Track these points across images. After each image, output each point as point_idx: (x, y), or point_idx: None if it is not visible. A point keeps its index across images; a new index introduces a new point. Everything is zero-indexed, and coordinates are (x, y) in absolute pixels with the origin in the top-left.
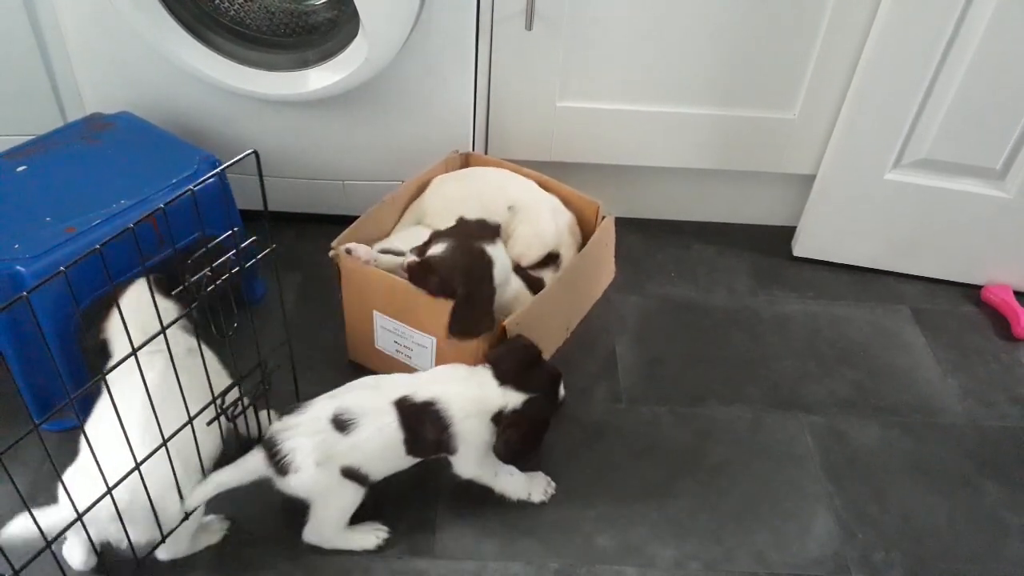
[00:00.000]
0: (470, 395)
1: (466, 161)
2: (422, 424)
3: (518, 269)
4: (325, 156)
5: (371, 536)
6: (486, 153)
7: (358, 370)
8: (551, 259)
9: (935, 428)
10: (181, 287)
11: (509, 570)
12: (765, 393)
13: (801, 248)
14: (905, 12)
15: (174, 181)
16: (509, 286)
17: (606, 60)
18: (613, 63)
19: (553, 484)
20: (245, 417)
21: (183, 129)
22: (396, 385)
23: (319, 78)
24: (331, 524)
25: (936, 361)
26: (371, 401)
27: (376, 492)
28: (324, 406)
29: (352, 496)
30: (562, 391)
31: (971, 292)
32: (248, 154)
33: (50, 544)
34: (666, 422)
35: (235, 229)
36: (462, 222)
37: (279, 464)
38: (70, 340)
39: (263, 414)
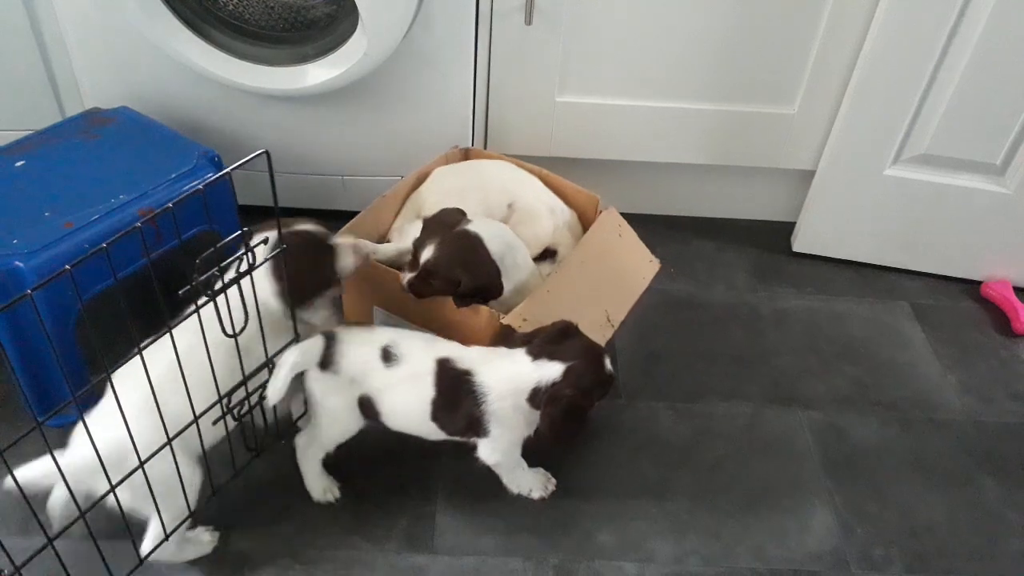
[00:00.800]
0: (505, 373)
1: (466, 156)
2: (457, 392)
3: None
4: (324, 151)
5: (325, 492)
6: (485, 148)
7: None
8: (547, 253)
9: (934, 424)
10: (188, 286)
11: (508, 565)
12: (764, 389)
13: (801, 244)
14: (905, 6)
15: (173, 176)
16: (519, 268)
17: (606, 55)
18: (612, 58)
19: (553, 481)
20: (252, 416)
21: (182, 124)
22: (445, 347)
23: (318, 73)
24: (319, 442)
25: (936, 357)
26: (421, 350)
27: (375, 485)
28: (383, 334)
29: (348, 425)
30: (608, 365)
31: (971, 288)
32: (260, 154)
33: (51, 541)
34: (665, 418)
35: (246, 229)
36: (427, 222)
37: (327, 356)
38: (70, 336)
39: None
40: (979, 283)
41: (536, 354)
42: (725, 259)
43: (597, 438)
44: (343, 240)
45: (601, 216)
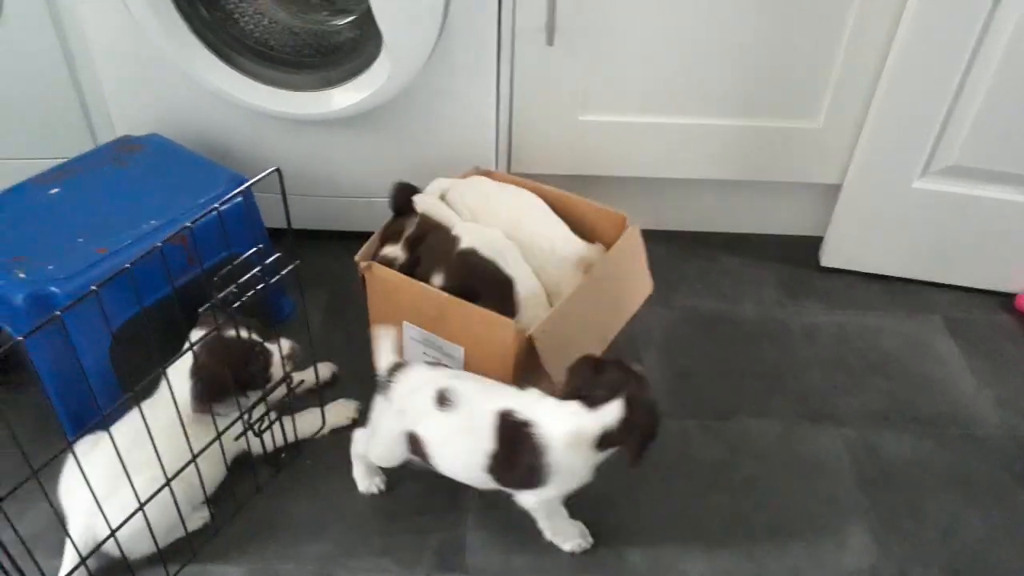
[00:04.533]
0: (570, 427)
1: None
2: (519, 445)
3: None
4: (350, 174)
5: (370, 485)
6: (508, 169)
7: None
8: None
9: (971, 440)
10: (208, 305)
11: None
12: (796, 405)
13: (829, 258)
14: (931, 16)
15: (202, 201)
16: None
17: (628, 73)
18: (635, 75)
19: (590, 540)
20: (272, 432)
21: (211, 149)
22: (504, 395)
23: (343, 97)
24: (372, 453)
25: (970, 371)
26: (479, 398)
27: (404, 505)
28: (440, 375)
29: (393, 452)
30: (636, 367)
31: (1005, 300)
32: (271, 172)
33: (84, 560)
34: (696, 436)
35: (260, 246)
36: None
37: (385, 384)
38: (103, 357)
39: (288, 428)
40: (1013, 295)
41: (592, 403)
42: (752, 275)
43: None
44: (283, 344)
45: (627, 232)
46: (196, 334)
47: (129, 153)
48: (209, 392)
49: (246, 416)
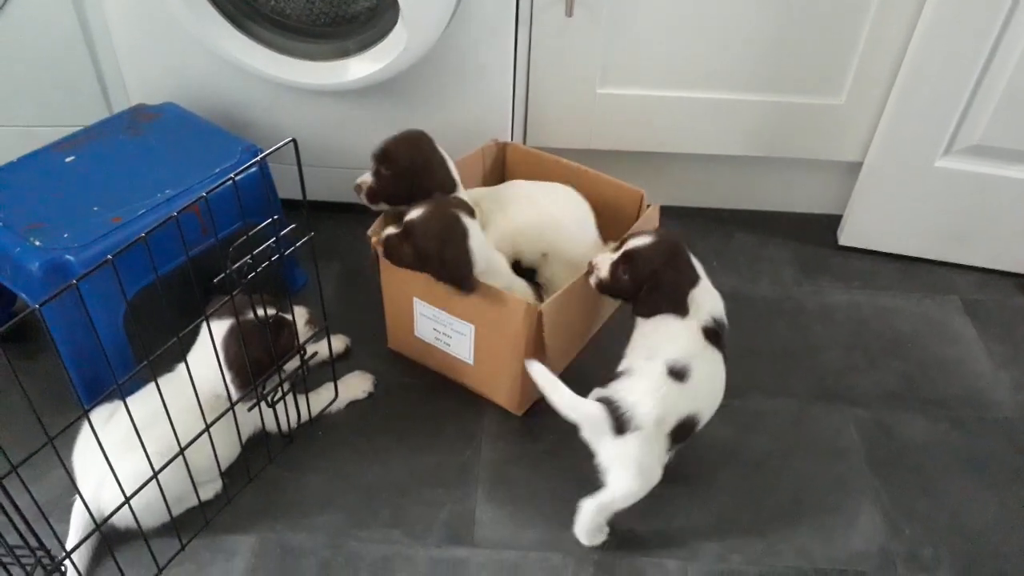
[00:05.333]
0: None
1: (503, 150)
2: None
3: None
4: (365, 145)
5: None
6: (524, 141)
7: (397, 358)
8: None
9: (986, 422)
10: (223, 275)
11: (549, 561)
12: (810, 385)
13: (847, 237)
14: None
15: (217, 171)
16: (502, 277)
17: (647, 46)
18: (654, 48)
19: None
20: (284, 403)
21: (226, 119)
22: (691, 323)
23: (359, 67)
24: (631, 496)
25: (987, 353)
26: (691, 342)
27: (416, 479)
28: (653, 365)
29: (659, 469)
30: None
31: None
32: (287, 142)
33: (99, 527)
34: None
35: (275, 217)
36: (437, 198)
37: (619, 419)
38: (117, 326)
39: (301, 400)
40: None
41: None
42: (769, 253)
43: None
44: (298, 311)
45: (647, 212)
46: (216, 325)
47: (144, 122)
48: (248, 378)
49: (259, 388)
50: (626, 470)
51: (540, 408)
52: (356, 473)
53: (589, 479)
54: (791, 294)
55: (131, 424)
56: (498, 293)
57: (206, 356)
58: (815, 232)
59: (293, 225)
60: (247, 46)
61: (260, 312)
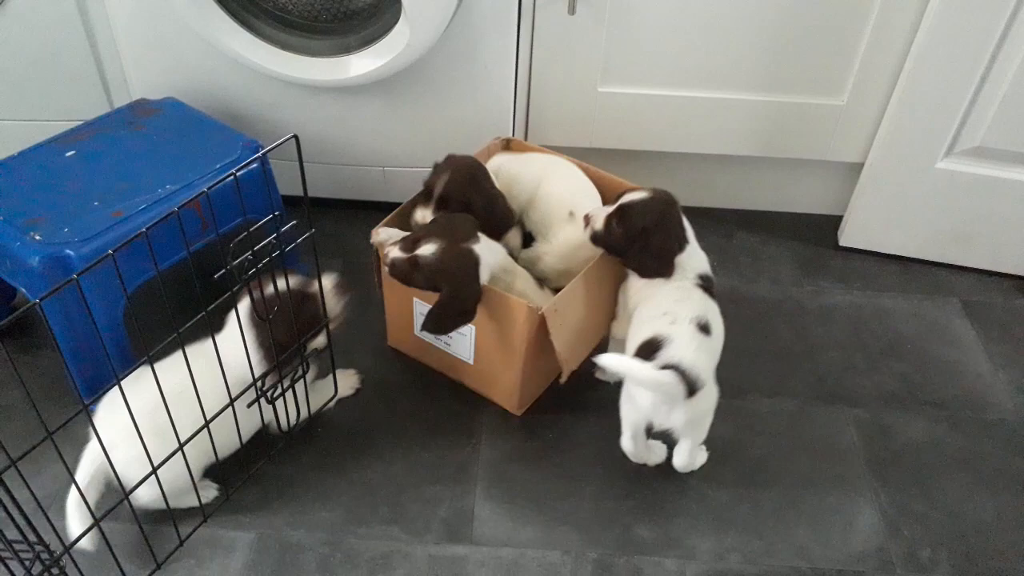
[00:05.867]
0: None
1: (507, 147)
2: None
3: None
4: (366, 142)
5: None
6: (526, 139)
7: (397, 356)
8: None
9: (984, 424)
10: (223, 270)
11: (547, 558)
12: (809, 385)
13: (848, 238)
14: None
15: (218, 166)
16: (516, 277)
17: (649, 45)
18: (656, 47)
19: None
20: (284, 399)
21: (227, 115)
22: (685, 283)
23: (361, 64)
24: (703, 434)
25: (986, 355)
26: (700, 299)
27: (415, 476)
28: (685, 326)
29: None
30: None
31: (1023, 284)
32: (288, 139)
33: (98, 522)
34: None
35: (276, 213)
36: (444, 220)
37: (691, 382)
38: (118, 322)
39: (301, 397)
40: None
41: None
42: (769, 253)
43: None
44: (325, 280)
45: None
46: (243, 307)
47: (145, 117)
48: (274, 353)
49: (259, 384)
50: (706, 419)
51: (539, 407)
52: (355, 470)
53: (587, 478)
54: (791, 294)
55: (159, 393)
56: (500, 296)
57: (233, 337)
58: (816, 232)
59: (294, 222)
60: (249, 42)
61: (284, 284)
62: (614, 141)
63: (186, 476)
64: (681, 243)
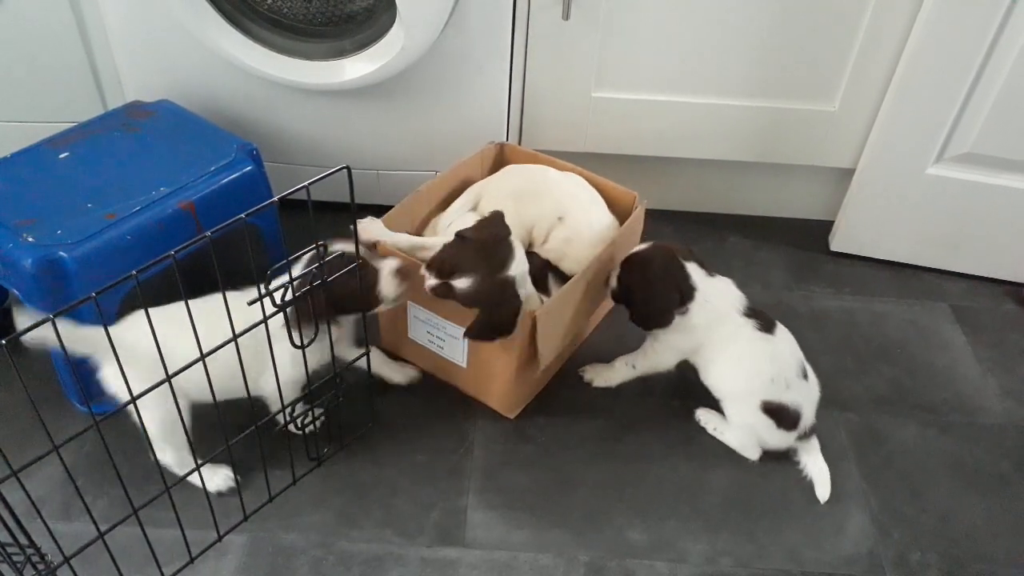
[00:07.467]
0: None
1: (501, 152)
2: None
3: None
4: (359, 145)
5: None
6: (520, 143)
7: (390, 357)
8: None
9: (974, 428)
10: (264, 294)
11: (539, 561)
12: None
13: (839, 243)
14: (951, 1)
15: (212, 169)
16: (525, 290)
17: (643, 50)
18: (650, 53)
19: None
20: (315, 425)
21: (221, 117)
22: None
23: (355, 67)
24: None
25: (976, 360)
26: (782, 344)
27: (407, 479)
28: (801, 384)
29: None
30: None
31: (1013, 290)
32: (339, 169)
33: (103, 535)
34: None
35: (320, 243)
36: (477, 244)
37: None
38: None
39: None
40: (1022, 285)
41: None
42: (761, 257)
43: (629, 435)
44: (388, 264)
45: (636, 213)
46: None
47: (139, 119)
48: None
49: (288, 410)
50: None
51: (531, 410)
52: (347, 472)
53: (579, 481)
54: (783, 299)
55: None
56: None
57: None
58: (807, 238)
59: (342, 251)
60: (244, 44)
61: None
62: (608, 146)
63: (208, 398)
64: (685, 294)
